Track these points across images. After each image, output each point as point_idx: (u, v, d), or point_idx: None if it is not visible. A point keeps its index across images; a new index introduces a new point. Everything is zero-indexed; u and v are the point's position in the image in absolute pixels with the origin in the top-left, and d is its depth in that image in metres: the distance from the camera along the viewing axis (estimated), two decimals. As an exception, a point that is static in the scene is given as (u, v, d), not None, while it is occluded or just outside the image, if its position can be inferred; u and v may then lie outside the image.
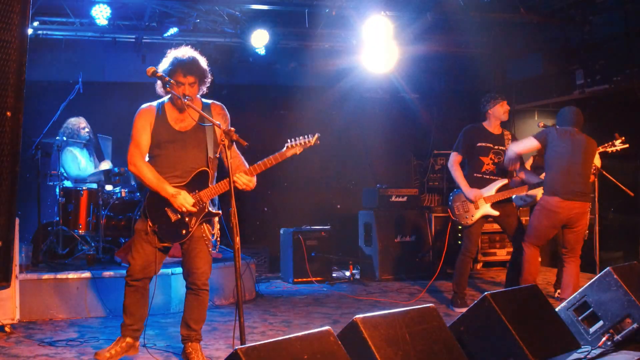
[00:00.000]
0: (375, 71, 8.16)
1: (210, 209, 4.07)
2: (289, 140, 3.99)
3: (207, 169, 4.06)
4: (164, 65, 4.04)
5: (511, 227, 6.08)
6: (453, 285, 6.22)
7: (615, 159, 6.53)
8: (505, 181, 6.01)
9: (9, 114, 3.21)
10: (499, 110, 6.03)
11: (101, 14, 7.07)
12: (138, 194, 6.89)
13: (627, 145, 5.94)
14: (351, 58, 8.41)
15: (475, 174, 6.04)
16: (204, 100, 4.19)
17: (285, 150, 3.99)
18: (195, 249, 4.10)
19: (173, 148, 4.05)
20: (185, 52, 4.10)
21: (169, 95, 4.05)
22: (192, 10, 7.48)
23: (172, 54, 4.08)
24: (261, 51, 8.00)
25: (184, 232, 4.03)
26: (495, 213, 5.96)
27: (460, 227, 6.59)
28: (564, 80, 8.53)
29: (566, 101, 8.97)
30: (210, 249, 4.16)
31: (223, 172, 4.07)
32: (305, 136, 3.98)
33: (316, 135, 3.99)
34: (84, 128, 7.03)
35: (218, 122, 3.70)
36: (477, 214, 5.99)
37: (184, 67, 3.99)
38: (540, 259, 8.73)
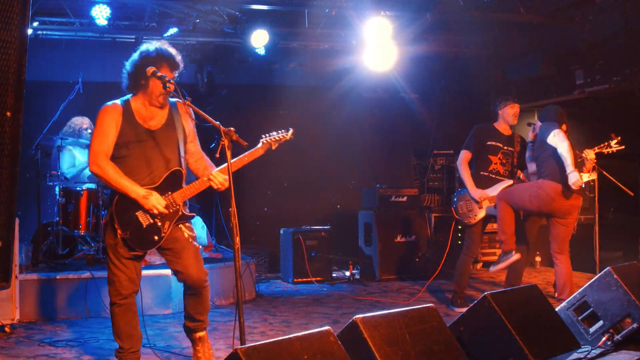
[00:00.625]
0: (375, 71, 8.16)
1: (184, 211, 3.85)
2: (263, 136, 3.91)
3: (180, 169, 3.85)
4: (141, 59, 3.77)
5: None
6: (453, 285, 6.22)
7: (615, 159, 6.53)
8: (510, 182, 6.01)
9: (8, 114, 3.21)
10: (509, 112, 6.05)
11: (101, 14, 7.06)
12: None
13: (622, 147, 5.94)
14: (351, 58, 8.41)
15: (481, 172, 6.04)
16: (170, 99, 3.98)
17: (260, 147, 3.90)
18: (183, 249, 3.85)
19: (142, 148, 3.79)
20: (164, 45, 3.91)
21: (133, 93, 3.84)
22: (192, 10, 7.48)
23: (152, 46, 3.83)
24: (261, 51, 8.00)
25: (156, 238, 3.74)
26: None
27: (460, 227, 6.60)
28: (563, 80, 8.53)
29: (566, 101, 8.98)
30: (197, 247, 3.94)
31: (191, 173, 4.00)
32: (280, 131, 3.92)
33: (291, 131, 3.94)
34: (86, 129, 7.03)
35: (218, 122, 3.53)
36: (481, 214, 5.99)
37: (170, 62, 3.83)
38: (540, 259, 8.78)
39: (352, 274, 8.04)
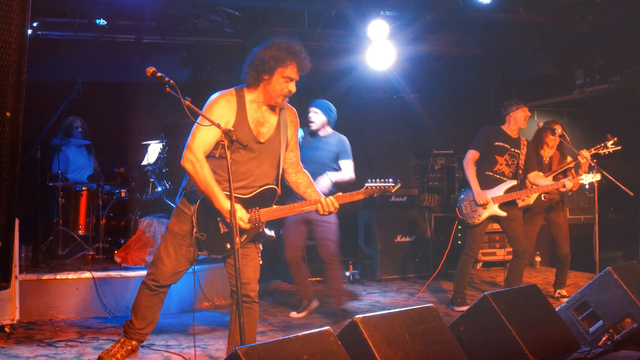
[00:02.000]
0: (375, 71, 8.16)
1: (265, 230, 3.70)
2: (368, 180, 3.76)
3: (276, 188, 3.65)
4: (270, 51, 3.54)
5: (513, 231, 6.05)
6: (454, 285, 6.23)
7: (614, 159, 6.54)
8: (514, 182, 6.02)
9: (8, 114, 3.21)
10: (520, 116, 6.07)
11: (101, 15, 7.06)
12: (138, 194, 6.88)
13: (619, 147, 5.94)
14: (351, 58, 8.40)
15: (486, 172, 6.04)
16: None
17: (362, 191, 3.75)
18: (246, 266, 3.67)
19: (244, 156, 3.56)
20: (297, 43, 3.67)
21: (257, 84, 3.54)
22: (192, 10, 7.48)
23: (284, 43, 3.60)
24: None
25: (228, 246, 3.60)
26: (503, 214, 5.95)
27: (460, 227, 6.60)
28: (563, 80, 8.53)
29: (566, 101, 8.99)
30: (259, 261, 3.76)
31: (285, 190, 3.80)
32: (387, 180, 3.76)
33: (399, 185, 3.78)
34: (77, 127, 7.03)
35: (217, 122, 3.39)
36: (485, 214, 5.98)
37: (301, 61, 3.61)
38: (540, 259, 8.78)
39: (352, 274, 8.03)
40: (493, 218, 6.05)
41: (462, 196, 6.19)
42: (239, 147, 3.40)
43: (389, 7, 7.62)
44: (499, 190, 5.98)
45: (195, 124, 3.46)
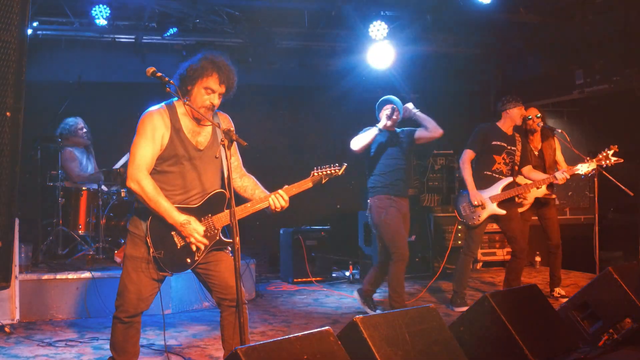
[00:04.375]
0: (375, 71, 8.16)
1: (221, 236, 3.56)
2: (314, 169, 3.71)
3: (224, 191, 3.54)
4: (193, 64, 3.49)
5: (512, 231, 6.05)
6: (454, 285, 6.23)
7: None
8: (510, 179, 6.03)
9: (8, 114, 3.21)
10: (517, 113, 6.08)
11: (100, 14, 7.07)
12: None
13: (621, 160, 5.94)
14: (351, 58, 8.40)
15: (485, 172, 6.04)
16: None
17: (309, 179, 3.70)
18: (221, 261, 3.57)
19: (186, 166, 3.51)
20: (222, 56, 3.58)
21: (184, 95, 3.48)
22: (192, 10, 7.48)
23: (210, 55, 3.53)
24: (261, 51, 7.99)
25: (188, 260, 3.48)
26: (502, 212, 5.94)
27: (460, 227, 6.60)
28: (563, 80, 8.53)
29: (566, 101, 8.98)
30: (233, 260, 3.56)
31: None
32: (333, 165, 3.71)
33: (344, 166, 3.72)
34: (81, 129, 7.04)
35: (218, 122, 3.51)
36: (484, 214, 5.98)
37: (222, 72, 3.50)
38: (540, 259, 8.78)
39: (352, 274, 8.03)
40: (493, 217, 6.05)
41: (460, 198, 6.17)
42: (180, 159, 3.46)
43: (388, 7, 7.62)
44: (496, 189, 5.97)
45: (132, 142, 3.45)
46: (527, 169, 6.19)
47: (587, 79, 8.12)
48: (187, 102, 3.45)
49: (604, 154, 5.93)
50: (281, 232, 8.03)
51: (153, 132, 3.44)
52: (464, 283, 6.17)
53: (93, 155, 7.36)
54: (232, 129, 3.55)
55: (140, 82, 7.51)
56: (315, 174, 3.69)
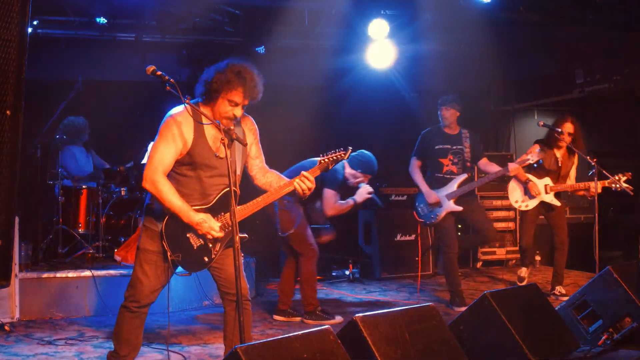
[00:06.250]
0: (375, 70, 8.16)
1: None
2: (320, 155, 3.72)
3: (233, 188, 3.49)
4: (220, 73, 3.49)
5: (479, 222, 6.26)
6: (448, 286, 6.26)
7: (615, 159, 6.54)
8: (465, 176, 6.18)
9: (8, 112, 3.21)
10: (444, 115, 6.34)
11: (101, 13, 7.06)
12: (138, 192, 6.89)
13: (631, 189, 5.99)
14: (351, 57, 8.40)
15: (437, 174, 6.26)
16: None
17: (317, 167, 3.68)
18: (229, 256, 3.59)
19: (208, 172, 3.55)
20: (248, 67, 3.57)
21: (207, 102, 3.51)
22: (192, 8, 7.47)
23: (238, 66, 3.52)
24: (261, 50, 8.00)
25: (206, 259, 3.54)
26: (459, 208, 6.09)
27: (423, 226, 6.72)
28: (563, 79, 8.53)
29: (566, 100, 8.98)
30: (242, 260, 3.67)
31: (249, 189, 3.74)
32: (338, 150, 3.71)
33: (349, 150, 3.71)
34: (85, 129, 7.05)
35: (217, 121, 3.41)
36: (442, 212, 6.14)
37: (247, 87, 3.50)
38: (540, 258, 8.78)
39: (352, 273, 8.03)
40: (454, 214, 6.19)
41: (417, 198, 6.38)
42: (199, 165, 3.50)
43: (389, 6, 7.62)
44: (452, 187, 6.14)
45: (152, 143, 3.46)
46: (484, 162, 6.33)
47: (587, 78, 8.13)
48: (186, 101, 3.42)
49: (617, 178, 5.98)
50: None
51: (174, 136, 3.46)
52: (456, 280, 6.21)
53: (92, 153, 7.37)
54: (255, 132, 3.69)
55: (141, 80, 7.51)
56: (322, 161, 3.71)
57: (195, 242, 3.53)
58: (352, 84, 8.93)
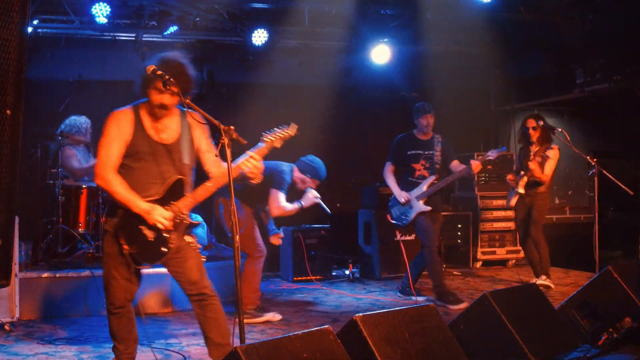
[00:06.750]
0: (375, 70, 8.16)
1: (189, 220, 3.67)
2: (265, 133, 3.66)
3: (182, 177, 3.64)
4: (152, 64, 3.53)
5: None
6: (435, 287, 6.29)
7: (615, 159, 6.54)
8: (433, 177, 6.30)
9: (8, 112, 3.21)
10: (422, 123, 6.44)
11: (101, 12, 7.06)
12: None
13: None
14: (351, 57, 8.40)
15: (409, 178, 6.42)
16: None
17: (264, 146, 3.62)
18: (188, 259, 3.70)
19: (152, 161, 3.63)
20: (179, 59, 3.63)
21: (145, 99, 3.64)
22: (192, 8, 7.47)
23: (167, 56, 3.61)
24: (261, 50, 8.00)
25: (163, 249, 3.58)
26: (428, 208, 6.24)
27: (398, 226, 6.78)
28: (563, 79, 8.53)
29: (566, 100, 8.99)
30: (202, 258, 3.77)
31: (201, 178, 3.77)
32: (282, 126, 3.69)
33: (294, 126, 3.70)
34: (87, 128, 7.05)
35: (218, 121, 3.40)
36: (412, 213, 6.30)
37: (175, 75, 3.51)
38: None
39: (352, 273, 8.03)
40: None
41: (390, 202, 6.55)
42: (143, 155, 3.58)
43: (389, 6, 7.62)
44: (422, 188, 6.29)
45: (100, 140, 3.59)
46: (455, 164, 6.41)
47: (587, 78, 8.14)
48: (186, 101, 3.44)
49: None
50: (281, 230, 8.02)
51: (117, 132, 3.60)
52: (439, 274, 6.27)
53: (92, 153, 7.36)
54: (202, 127, 3.71)
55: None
56: (267, 139, 3.64)
57: (149, 233, 3.57)
58: (352, 83, 8.93)
